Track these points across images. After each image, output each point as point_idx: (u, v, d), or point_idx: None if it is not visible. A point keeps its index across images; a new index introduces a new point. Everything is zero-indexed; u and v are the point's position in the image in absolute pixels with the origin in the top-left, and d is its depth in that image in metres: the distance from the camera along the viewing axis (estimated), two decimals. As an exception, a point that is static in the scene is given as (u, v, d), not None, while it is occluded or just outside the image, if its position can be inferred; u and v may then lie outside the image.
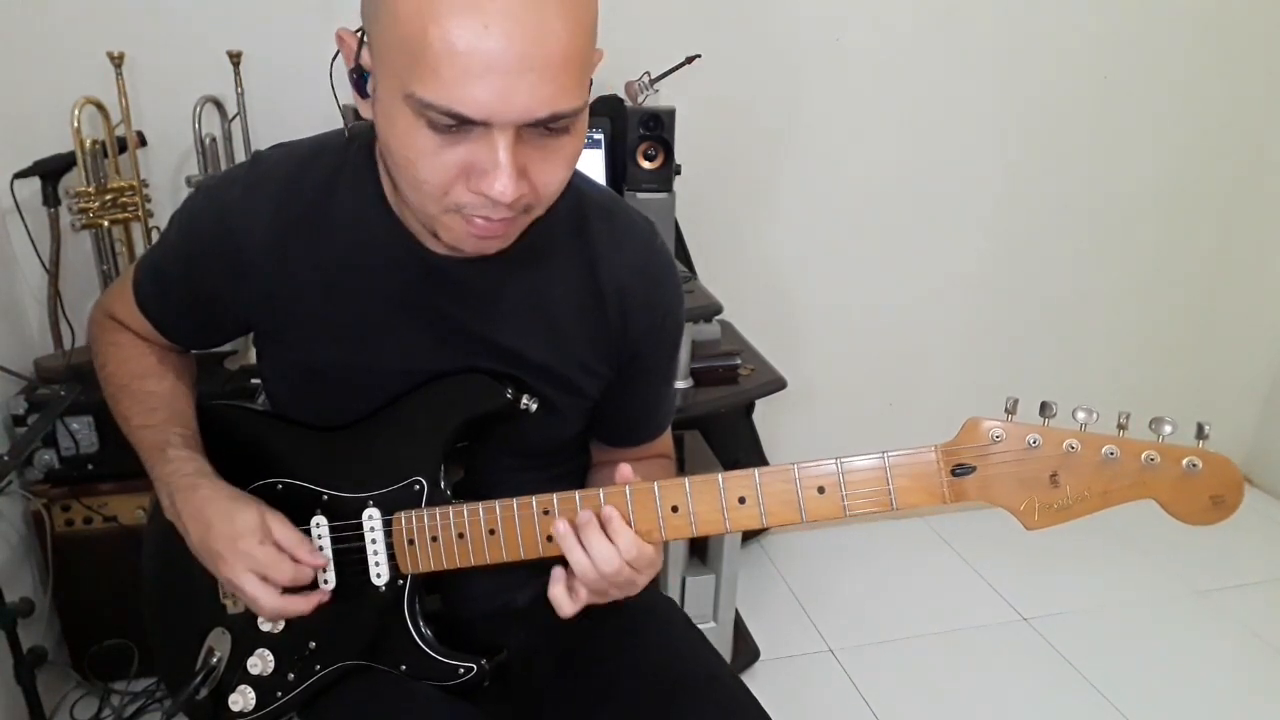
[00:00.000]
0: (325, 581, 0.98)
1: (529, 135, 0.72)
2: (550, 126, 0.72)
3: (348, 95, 0.82)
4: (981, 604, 2.31)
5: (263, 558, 0.89)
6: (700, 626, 1.11)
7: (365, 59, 0.75)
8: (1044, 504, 0.78)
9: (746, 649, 2.05)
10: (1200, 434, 0.74)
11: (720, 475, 0.86)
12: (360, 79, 0.77)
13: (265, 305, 0.93)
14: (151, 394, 1.01)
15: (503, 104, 0.68)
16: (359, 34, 0.76)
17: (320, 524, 0.97)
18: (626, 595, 0.89)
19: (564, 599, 0.88)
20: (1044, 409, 0.78)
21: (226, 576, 0.90)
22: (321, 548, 0.97)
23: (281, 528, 0.91)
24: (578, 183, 0.88)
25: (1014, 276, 2.58)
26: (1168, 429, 0.74)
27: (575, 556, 0.86)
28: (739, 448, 2.38)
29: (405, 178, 0.77)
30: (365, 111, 0.79)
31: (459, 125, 0.70)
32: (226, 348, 1.59)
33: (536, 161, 0.74)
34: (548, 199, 0.78)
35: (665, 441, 1.13)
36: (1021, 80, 2.36)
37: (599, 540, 0.85)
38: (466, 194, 0.74)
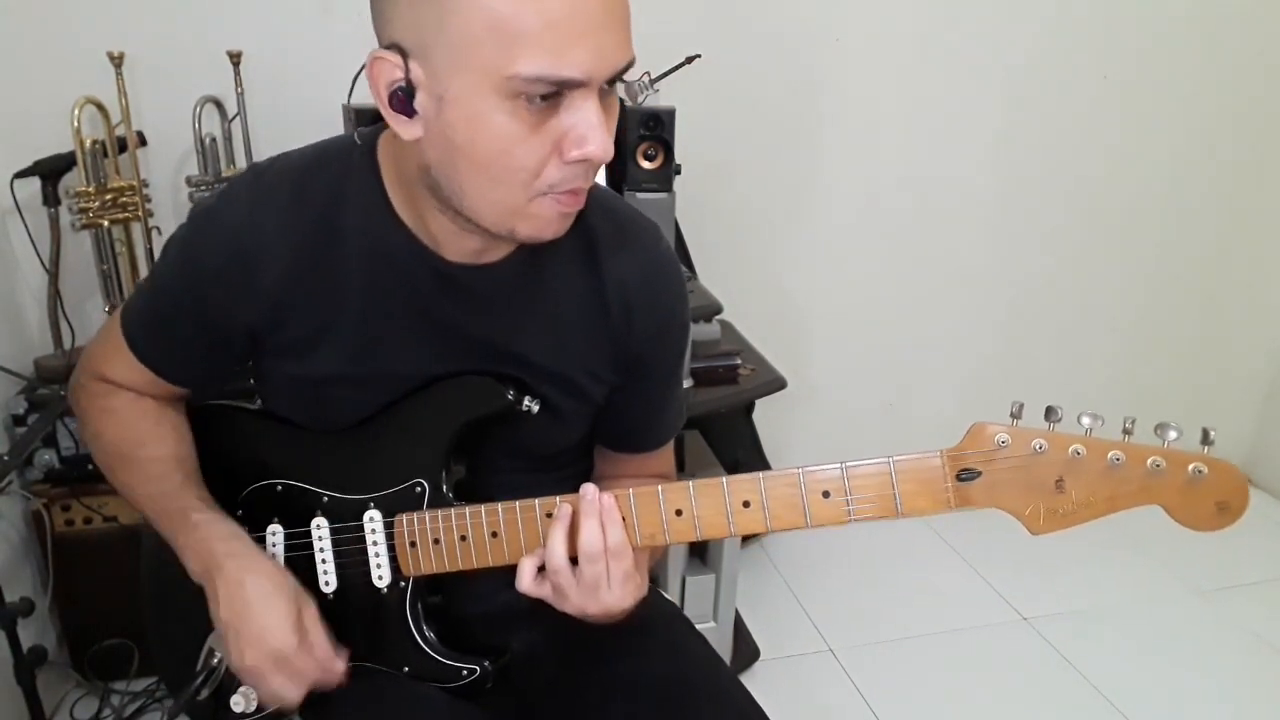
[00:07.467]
0: (326, 584, 0.98)
1: (600, 95, 0.76)
2: (611, 81, 0.76)
3: (357, 98, 0.81)
4: (981, 604, 2.31)
5: (296, 662, 0.89)
6: (700, 626, 1.11)
7: (416, 73, 0.74)
8: (1049, 509, 0.78)
9: (746, 649, 2.05)
10: (1205, 439, 0.74)
11: (724, 479, 0.86)
12: (407, 98, 0.75)
13: (273, 320, 0.92)
14: (156, 460, 0.98)
15: (599, 60, 0.73)
16: (398, 53, 0.74)
17: (321, 525, 0.97)
18: (586, 608, 0.88)
19: (529, 574, 0.89)
20: (1049, 413, 0.78)
21: (248, 666, 0.89)
22: (323, 549, 0.97)
23: (317, 628, 0.92)
24: None
25: (1013, 276, 2.58)
26: (1172, 434, 0.74)
27: (553, 541, 0.87)
28: (739, 447, 2.38)
29: (493, 174, 0.77)
30: (410, 132, 0.77)
31: (553, 96, 0.73)
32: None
33: (606, 121, 0.77)
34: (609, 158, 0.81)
35: (666, 459, 1.10)
36: (1021, 80, 2.37)
37: (592, 525, 0.86)
38: (559, 169, 0.77)
